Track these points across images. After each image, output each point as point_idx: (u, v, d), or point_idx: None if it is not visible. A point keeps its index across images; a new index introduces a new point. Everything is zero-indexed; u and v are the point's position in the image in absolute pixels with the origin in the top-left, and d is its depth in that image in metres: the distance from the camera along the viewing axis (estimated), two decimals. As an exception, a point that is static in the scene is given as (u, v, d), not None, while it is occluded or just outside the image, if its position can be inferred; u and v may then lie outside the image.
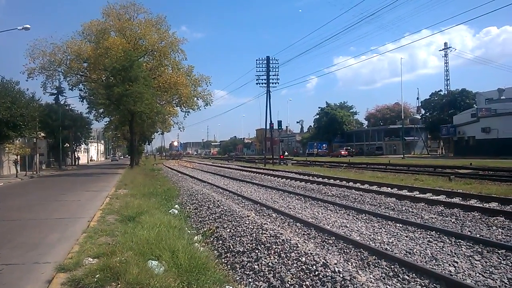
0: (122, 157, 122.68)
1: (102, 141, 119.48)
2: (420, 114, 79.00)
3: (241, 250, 7.87)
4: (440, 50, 73.80)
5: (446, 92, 73.41)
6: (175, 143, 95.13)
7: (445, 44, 73.32)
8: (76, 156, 67.60)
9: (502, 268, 6.06)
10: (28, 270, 6.07)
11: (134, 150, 46.60)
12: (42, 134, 45.43)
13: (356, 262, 6.56)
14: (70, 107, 59.76)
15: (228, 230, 9.52)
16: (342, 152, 74.57)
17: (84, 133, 63.77)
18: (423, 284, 5.50)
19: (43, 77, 38.40)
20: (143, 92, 32.24)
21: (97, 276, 5.18)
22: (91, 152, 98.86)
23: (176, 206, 14.10)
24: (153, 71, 40.55)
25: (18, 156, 34.93)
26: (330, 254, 6.99)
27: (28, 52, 36.44)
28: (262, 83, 46.97)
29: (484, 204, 11.56)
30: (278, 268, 6.47)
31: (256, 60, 47.24)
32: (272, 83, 46.79)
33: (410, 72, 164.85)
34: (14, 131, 32.21)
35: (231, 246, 8.27)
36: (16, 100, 31.53)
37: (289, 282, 5.91)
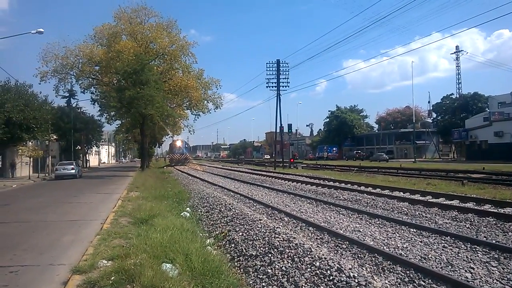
0: (134, 160, 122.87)
1: (113, 144, 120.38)
2: (432, 118, 78.37)
3: (254, 253, 7.84)
4: (452, 53, 73.45)
5: (457, 96, 72.79)
6: (178, 143, 63.52)
7: (457, 47, 72.89)
8: (87, 159, 68.20)
9: (520, 275, 5.95)
10: (43, 271, 6.11)
11: (145, 153, 46.80)
12: (54, 137, 45.96)
13: (371, 267, 6.50)
14: (82, 110, 60.44)
15: (240, 234, 9.50)
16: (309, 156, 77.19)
17: (96, 135, 64.33)
18: (439, 290, 5.43)
19: (55, 80, 38.78)
20: (154, 95, 32.40)
21: (112, 278, 5.20)
22: (102, 155, 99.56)
23: (188, 209, 14.13)
24: (164, 74, 40.74)
25: (31, 158, 35.29)
26: (344, 259, 6.93)
27: (41, 55, 36.87)
28: (272, 87, 46.94)
29: (499, 210, 11.39)
30: (292, 272, 6.43)
31: (266, 63, 47.24)
32: (283, 86, 46.70)
33: (420, 75, 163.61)
34: (27, 134, 32.65)
35: (244, 250, 8.25)
36: (29, 103, 32.03)
37: (304, 287, 5.87)
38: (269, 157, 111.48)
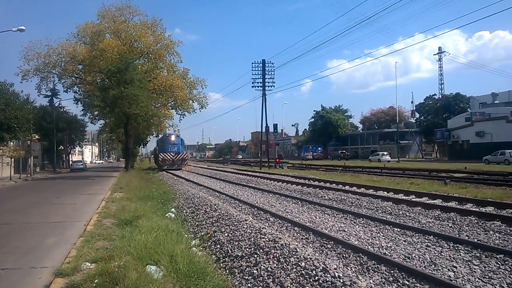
0: (120, 160, 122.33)
1: (97, 144, 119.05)
2: (415, 118, 79.47)
3: (239, 254, 7.83)
4: (434, 54, 74.59)
5: (440, 96, 73.96)
6: (172, 138, 47.07)
7: (439, 48, 74.05)
8: (70, 159, 67.37)
9: (501, 273, 6.07)
10: (25, 274, 6.01)
11: (129, 153, 46.35)
12: (36, 137, 45.19)
13: (356, 267, 6.54)
14: (64, 110, 59.56)
15: (226, 234, 9.48)
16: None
17: (79, 135, 63.46)
18: (423, 289, 5.50)
19: (37, 79, 38.10)
20: (138, 94, 32.08)
21: (95, 281, 5.14)
22: (86, 155, 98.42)
23: (173, 209, 14.05)
24: (149, 73, 40.36)
25: (12, 159, 34.65)
26: (329, 259, 6.97)
27: (23, 53, 36.20)
28: (257, 86, 47.06)
29: (481, 208, 11.60)
30: (277, 273, 6.43)
31: (252, 63, 47.35)
32: (268, 86, 46.92)
33: (404, 76, 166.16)
34: (8, 133, 31.98)
35: (230, 251, 8.23)
36: (10, 102, 31.33)
37: (289, 287, 5.89)
38: (241, 156, 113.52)
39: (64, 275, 5.59)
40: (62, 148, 58.07)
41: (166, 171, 41.49)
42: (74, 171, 48.32)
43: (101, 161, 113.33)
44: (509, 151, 42.02)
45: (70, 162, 61.33)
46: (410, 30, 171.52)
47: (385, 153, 62.63)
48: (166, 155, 44.77)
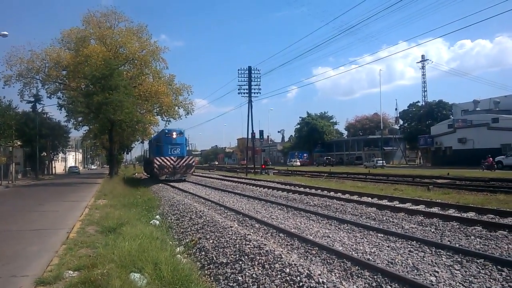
0: (100, 167, 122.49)
1: (80, 150, 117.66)
2: (399, 125, 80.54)
3: (224, 261, 7.82)
4: (418, 62, 75.83)
5: (423, 103, 75.11)
6: (174, 135, 32.18)
7: (423, 56, 75.41)
8: (53, 165, 66.53)
9: (481, 277, 6.18)
10: (5, 283, 5.88)
11: (113, 160, 45.89)
12: (19, 143, 44.44)
13: (340, 273, 6.60)
14: (48, 116, 58.73)
15: (211, 241, 9.45)
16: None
17: (62, 141, 62.60)
18: (405, 294, 5.57)
19: (20, 84, 37.47)
20: (123, 100, 31.81)
21: (78, 289, 5.08)
22: (69, 161, 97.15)
23: (157, 216, 13.95)
24: (134, 79, 40.07)
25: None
26: (313, 264, 7.01)
27: (5, 59, 35.70)
28: (244, 93, 47.17)
29: (462, 214, 11.78)
30: (262, 279, 6.44)
31: (238, 70, 47.44)
32: (254, 93, 47.01)
33: (388, 83, 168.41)
34: (-11, 140, 31.51)
35: (214, 258, 8.21)
36: (-8, 108, 30.90)
37: (274, 294, 5.90)
38: (217, 163, 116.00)
39: (46, 284, 5.50)
40: (45, 154, 57.21)
41: (165, 182, 30.59)
42: (71, 174, 63.44)
43: (95, 167, 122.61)
44: (377, 159, 63.82)
45: (66, 167, 75.45)
46: (394, 38, 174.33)
47: (297, 160, 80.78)
48: (165, 161, 31.31)
